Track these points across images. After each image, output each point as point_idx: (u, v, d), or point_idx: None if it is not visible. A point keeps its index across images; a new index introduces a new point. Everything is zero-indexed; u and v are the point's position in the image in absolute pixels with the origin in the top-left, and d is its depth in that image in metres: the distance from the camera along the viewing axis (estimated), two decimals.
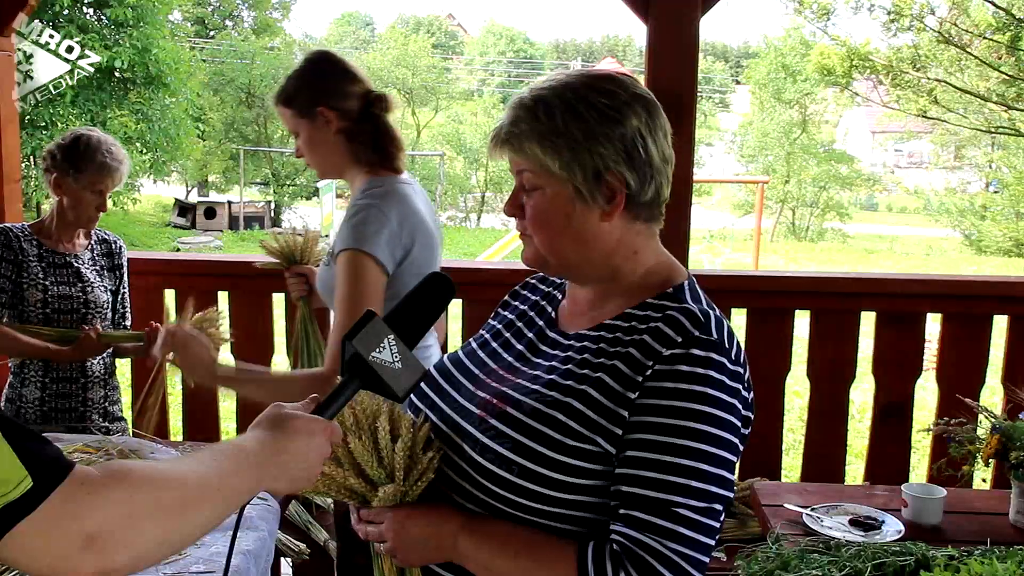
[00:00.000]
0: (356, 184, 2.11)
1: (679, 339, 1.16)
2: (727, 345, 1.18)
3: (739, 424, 1.18)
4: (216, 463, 1.00)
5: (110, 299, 2.82)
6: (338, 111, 2.07)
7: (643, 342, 1.18)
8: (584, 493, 1.16)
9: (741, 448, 1.20)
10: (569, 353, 1.26)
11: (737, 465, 1.20)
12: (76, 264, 2.75)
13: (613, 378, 1.18)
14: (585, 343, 1.25)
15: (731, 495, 1.18)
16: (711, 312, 1.21)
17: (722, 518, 1.17)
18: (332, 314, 2.12)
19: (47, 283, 2.67)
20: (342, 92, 2.08)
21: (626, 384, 1.17)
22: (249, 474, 1.03)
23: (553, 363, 1.27)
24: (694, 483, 1.11)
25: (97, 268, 2.81)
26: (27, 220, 2.86)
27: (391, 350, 1.15)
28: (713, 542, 1.14)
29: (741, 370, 1.19)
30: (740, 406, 1.18)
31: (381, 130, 2.10)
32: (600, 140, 1.20)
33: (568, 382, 1.21)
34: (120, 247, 2.90)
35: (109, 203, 2.73)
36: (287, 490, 1.12)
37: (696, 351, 1.15)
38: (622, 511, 1.13)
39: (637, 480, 1.12)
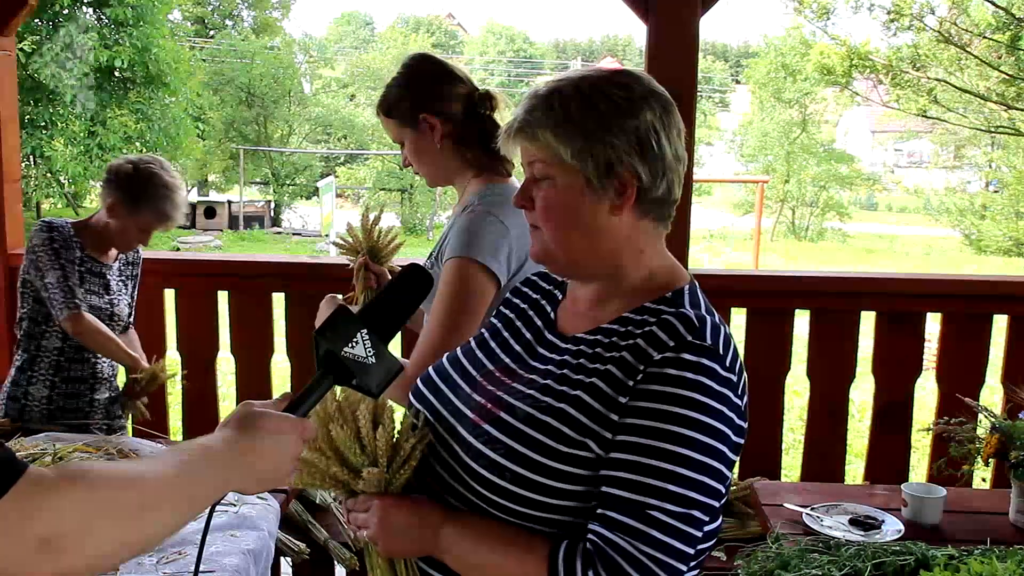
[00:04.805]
0: (469, 190, 2.01)
1: (671, 343, 1.15)
2: (721, 352, 1.16)
3: (728, 432, 1.15)
4: (180, 463, 0.98)
5: (130, 312, 2.84)
6: (442, 116, 1.98)
7: (636, 346, 1.17)
8: (574, 499, 1.16)
9: (733, 458, 1.18)
10: (565, 357, 1.25)
11: (728, 474, 1.17)
12: (107, 276, 2.75)
13: (606, 383, 1.17)
14: (581, 347, 1.24)
15: (717, 504, 1.16)
16: (708, 317, 1.19)
17: (708, 527, 1.15)
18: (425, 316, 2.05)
19: (81, 290, 2.67)
20: (444, 96, 1.99)
21: (618, 388, 1.16)
22: (214, 474, 1.01)
23: (549, 367, 1.26)
24: (671, 487, 1.10)
25: (123, 279, 2.83)
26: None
27: (364, 345, 1.13)
28: (692, 550, 1.12)
29: (734, 377, 1.17)
30: (731, 414, 1.15)
31: (489, 130, 1.99)
32: (613, 131, 1.19)
33: (563, 387, 1.20)
34: (139, 258, 2.90)
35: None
36: (257, 490, 1.10)
37: (687, 355, 1.14)
38: (599, 511, 1.13)
39: (616, 481, 1.12)
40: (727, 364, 1.16)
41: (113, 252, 2.78)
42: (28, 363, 2.71)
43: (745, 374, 1.22)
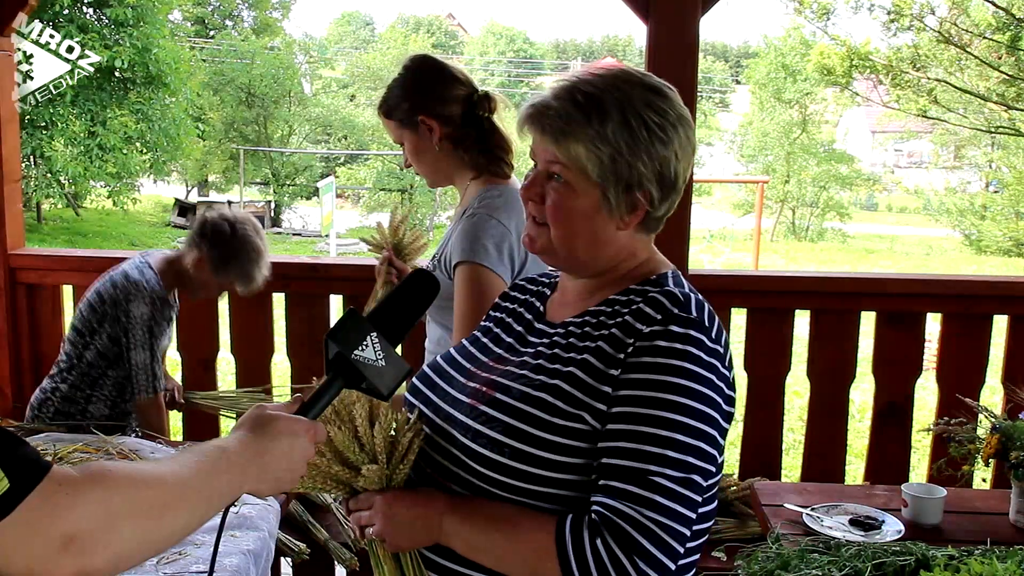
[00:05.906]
0: (469, 191, 2.03)
1: (659, 316, 1.20)
2: (706, 324, 1.21)
3: (719, 400, 1.20)
4: (197, 464, 0.99)
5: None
6: (440, 118, 2.00)
7: (625, 323, 1.22)
8: (573, 472, 1.19)
9: (726, 426, 1.22)
10: (555, 339, 1.30)
11: (722, 441, 1.22)
12: (171, 314, 2.78)
13: (597, 358, 1.21)
14: (570, 328, 1.29)
15: (713, 469, 1.20)
16: (692, 295, 1.25)
17: (703, 509, 1.19)
18: (428, 319, 2.08)
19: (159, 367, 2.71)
20: (442, 97, 2.00)
21: (609, 362, 1.20)
22: (230, 476, 1.02)
23: (539, 349, 1.31)
24: (670, 453, 1.13)
25: (175, 315, 2.86)
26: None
27: (374, 348, 1.15)
28: (693, 515, 1.15)
29: (721, 349, 1.22)
30: (720, 383, 1.20)
31: (487, 132, 2.03)
32: (642, 157, 1.23)
33: (555, 365, 1.25)
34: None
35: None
36: (270, 491, 1.11)
37: (674, 327, 1.19)
38: (601, 482, 1.15)
39: (615, 451, 1.15)
40: (713, 336, 1.21)
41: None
42: (88, 385, 2.70)
43: (730, 349, 1.26)
